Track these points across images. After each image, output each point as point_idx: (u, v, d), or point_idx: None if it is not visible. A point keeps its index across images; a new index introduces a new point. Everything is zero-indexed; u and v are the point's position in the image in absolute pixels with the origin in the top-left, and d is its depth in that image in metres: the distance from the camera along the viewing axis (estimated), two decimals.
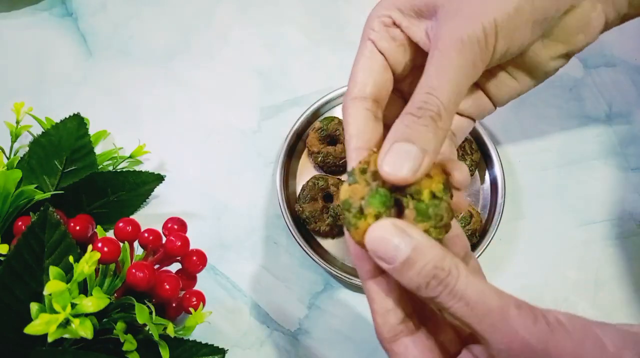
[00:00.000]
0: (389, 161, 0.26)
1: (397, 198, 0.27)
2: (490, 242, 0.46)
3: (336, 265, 0.47)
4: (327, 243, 0.49)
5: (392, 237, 0.25)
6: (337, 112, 0.53)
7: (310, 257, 0.46)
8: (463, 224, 0.47)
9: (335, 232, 0.48)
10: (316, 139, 0.50)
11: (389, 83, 0.31)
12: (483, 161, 0.50)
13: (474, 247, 0.47)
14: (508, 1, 0.29)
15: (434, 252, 0.25)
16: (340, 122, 0.51)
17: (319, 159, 0.50)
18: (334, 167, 0.50)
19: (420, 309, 0.29)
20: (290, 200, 0.50)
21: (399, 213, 0.27)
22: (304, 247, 0.46)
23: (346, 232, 0.28)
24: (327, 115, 0.52)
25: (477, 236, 0.47)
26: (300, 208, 0.48)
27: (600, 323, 0.25)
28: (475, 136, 0.51)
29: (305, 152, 0.51)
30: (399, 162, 0.26)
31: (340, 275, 0.46)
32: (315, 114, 0.52)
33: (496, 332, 0.24)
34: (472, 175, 0.50)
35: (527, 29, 0.30)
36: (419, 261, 0.25)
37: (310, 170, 0.51)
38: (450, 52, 0.27)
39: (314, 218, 0.48)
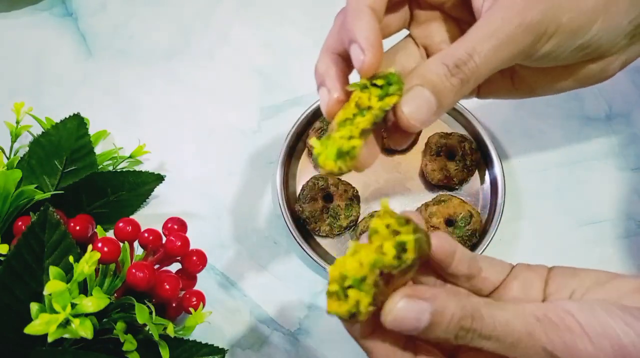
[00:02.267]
0: (411, 104, 0.27)
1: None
2: (490, 242, 0.46)
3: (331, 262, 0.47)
4: (327, 243, 0.49)
5: (410, 314, 0.24)
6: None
7: (310, 257, 0.46)
8: (463, 224, 0.46)
9: (336, 232, 0.48)
10: (316, 139, 0.50)
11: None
12: (483, 161, 0.50)
13: (473, 247, 0.47)
14: (589, 14, 0.29)
15: (453, 306, 0.25)
16: None
17: (319, 159, 0.49)
18: None
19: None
20: (290, 200, 0.49)
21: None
22: (304, 247, 0.46)
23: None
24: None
25: (477, 236, 0.47)
26: (300, 208, 0.48)
27: (619, 310, 0.25)
28: (475, 136, 0.51)
29: (305, 152, 0.51)
30: (418, 109, 0.27)
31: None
32: (316, 114, 0.51)
33: (531, 353, 0.25)
34: (471, 175, 0.50)
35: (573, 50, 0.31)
36: (443, 321, 0.25)
37: (310, 170, 0.51)
38: (512, 32, 0.27)
39: (314, 218, 0.48)
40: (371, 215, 0.48)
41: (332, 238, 0.49)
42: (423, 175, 0.51)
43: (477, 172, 0.50)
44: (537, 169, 0.51)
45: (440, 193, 0.49)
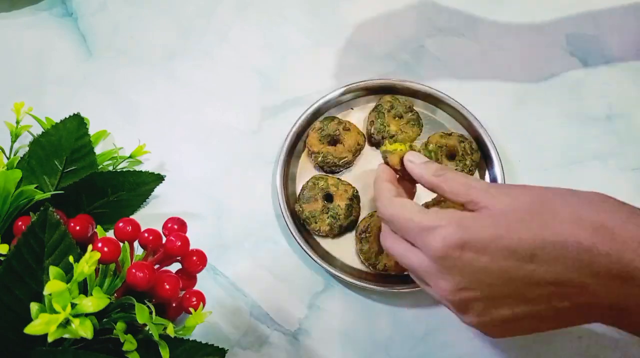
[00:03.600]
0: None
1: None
2: None
3: (336, 265, 0.47)
4: (327, 243, 0.49)
5: (416, 159, 0.40)
6: (337, 112, 0.53)
7: (310, 257, 0.46)
8: None
9: (336, 231, 0.48)
10: (316, 139, 0.50)
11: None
12: (483, 161, 0.50)
13: None
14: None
15: (434, 164, 0.39)
16: (340, 122, 0.51)
17: (319, 159, 0.49)
18: (334, 167, 0.50)
19: None
20: (290, 200, 0.49)
21: None
22: (304, 247, 0.46)
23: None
24: (326, 115, 0.52)
25: None
26: (300, 208, 0.48)
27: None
28: (475, 136, 0.51)
29: (305, 152, 0.51)
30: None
31: (340, 276, 0.46)
32: (316, 114, 0.52)
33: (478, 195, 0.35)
34: (472, 175, 0.50)
35: None
36: (427, 166, 0.39)
37: (310, 170, 0.51)
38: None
39: (314, 218, 0.48)
40: (371, 215, 0.48)
41: (332, 238, 0.49)
42: None
43: (477, 171, 0.51)
44: (537, 169, 0.51)
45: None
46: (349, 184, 0.49)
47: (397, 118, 0.51)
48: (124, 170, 0.46)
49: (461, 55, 0.55)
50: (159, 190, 0.48)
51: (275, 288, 0.47)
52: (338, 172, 0.51)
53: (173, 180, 0.49)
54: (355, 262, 0.48)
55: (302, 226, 0.49)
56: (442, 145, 0.50)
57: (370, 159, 0.52)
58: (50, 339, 0.31)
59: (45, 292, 0.32)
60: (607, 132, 0.52)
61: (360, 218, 0.49)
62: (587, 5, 0.57)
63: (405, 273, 0.47)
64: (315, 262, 0.46)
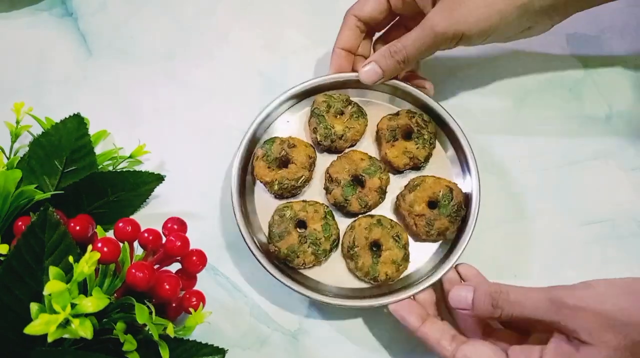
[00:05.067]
0: (365, 72, 0.47)
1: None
2: (479, 207, 0.45)
3: (332, 293, 0.45)
4: (315, 273, 0.46)
5: (462, 292, 0.40)
6: (275, 132, 0.50)
7: (307, 296, 0.43)
8: (446, 202, 0.45)
9: (322, 258, 0.45)
10: (264, 167, 0.47)
11: (384, 14, 0.48)
12: (440, 128, 0.49)
13: (464, 220, 0.46)
14: (481, 22, 0.43)
15: (485, 285, 0.39)
16: (282, 141, 0.47)
17: (275, 187, 0.46)
18: (293, 190, 0.47)
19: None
20: (256, 232, 0.46)
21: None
22: (295, 288, 0.43)
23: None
24: (265, 138, 0.49)
25: (464, 207, 0.46)
26: (276, 248, 0.44)
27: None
28: (422, 107, 0.49)
29: (258, 185, 0.48)
30: (370, 76, 0.47)
31: (342, 304, 0.44)
32: (252, 142, 0.48)
33: (546, 312, 0.36)
34: (434, 147, 0.48)
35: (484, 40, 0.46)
36: (480, 295, 0.38)
37: (269, 201, 0.48)
38: (428, 36, 0.44)
39: (294, 253, 0.44)
40: (352, 228, 0.46)
41: (320, 266, 0.46)
42: (384, 162, 0.48)
43: (437, 142, 0.49)
44: (537, 169, 0.51)
45: (411, 176, 0.48)
46: (316, 202, 0.46)
47: (338, 116, 0.48)
48: (124, 170, 0.46)
49: (460, 55, 0.55)
50: (159, 190, 0.47)
51: (275, 288, 0.47)
52: (299, 194, 0.48)
53: (173, 180, 0.49)
54: (349, 280, 0.46)
55: (284, 264, 0.45)
56: (393, 128, 0.47)
57: (326, 164, 0.48)
58: (50, 339, 0.31)
59: (45, 292, 0.32)
60: (607, 132, 0.52)
61: (342, 233, 0.46)
62: None
63: (405, 275, 0.46)
64: (309, 298, 0.44)
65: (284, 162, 0.47)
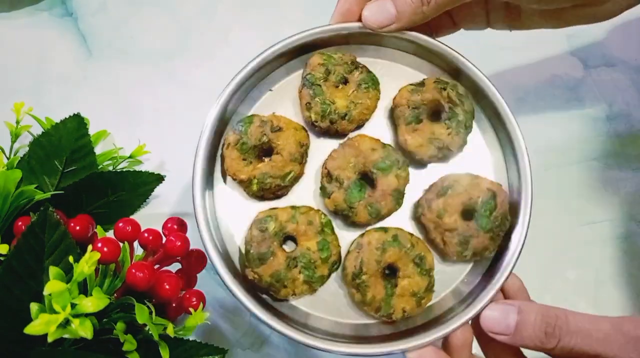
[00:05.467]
0: (372, 9, 0.33)
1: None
2: (530, 218, 0.35)
3: (327, 331, 0.34)
4: (306, 303, 0.35)
5: (499, 314, 0.30)
6: (250, 107, 0.37)
7: (296, 340, 0.33)
8: (487, 212, 0.34)
9: (318, 286, 0.34)
10: (237, 159, 0.34)
11: None
12: (478, 105, 0.38)
13: (507, 237, 0.35)
14: None
15: (535, 307, 0.30)
16: (263, 121, 0.35)
17: (254, 187, 0.34)
18: (278, 190, 0.35)
19: None
20: (231, 254, 0.35)
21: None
22: (278, 329, 0.33)
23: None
24: (240, 117, 0.37)
25: (508, 218, 0.35)
26: (256, 276, 0.33)
27: None
28: (455, 73, 0.37)
29: (230, 181, 0.36)
30: (377, 17, 0.33)
31: (319, 347, 0.32)
32: (222, 121, 0.36)
33: (621, 348, 0.28)
34: (470, 131, 0.36)
35: None
36: (529, 320, 0.30)
37: (244, 206, 0.35)
38: None
39: (279, 282, 0.33)
40: (358, 246, 0.34)
41: (312, 295, 0.35)
42: (402, 151, 0.36)
43: (474, 123, 0.36)
44: (537, 169, 0.51)
45: (437, 172, 0.36)
46: (310, 209, 0.35)
47: (340, 85, 0.36)
48: (124, 170, 0.46)
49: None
50: (159, 190, 0.47)
51: None
52: (286, 194, 0.36)
53: (173, 180, 0.48)
54: (351, 313, 0.35)
55: (267, 293, 0.35)
56: (416, 104, 0.35)
57: (323, 153, 0.36)
58: (50, 339, 0.31)
59: (45, 292, 0.32)
60: (607, 132, 0.52)
61: (344, 251, 0.35)
62: None
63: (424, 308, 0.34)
64: (301, 343, 0.33)
65: (265, 152, 0.35)
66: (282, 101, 0.37)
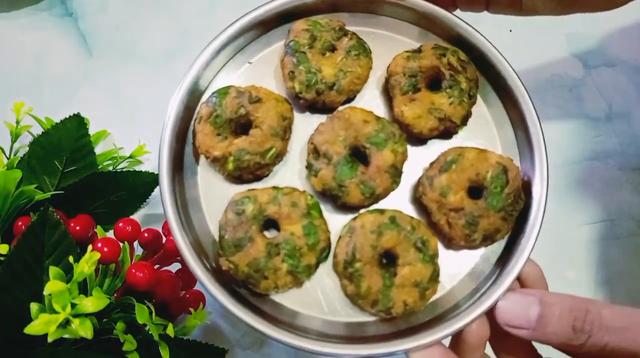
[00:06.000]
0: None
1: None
2: (547, 196, 0.31)
3: (302, 329, 0.30)
4: (291, 298, 0.31)
5: (517, 305, 0.26)
6: (227, 78, 0.33)
7: (259, 332, 0.29)
8: (498, 188, 0.30)
9: (304, 278, 0.30)
10: (211, 134, 0.31)
11: None
12: (482, 73, 0.34)
13: (524, 217, 0.31)
14: None
15: (560, 298, 0.26)
16: (240, 92, 0.31)
17: (230, 165, 0.31)
18: (258, 169, 0.31)
19: None
20: (201, 233, 0.31)
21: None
22: (258, 328, 0.29)
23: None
24: (214, 89, 0.33)
25: (522, 197, 0.31)
26: (231, 265, 0.29)
27: None
28: (457, 40, 0.34)
29: (203, 160, 0.32)
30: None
31: (309, 348, 0.28)
32: (196, 94, 0.32)
33: None
34: (474, 102, 0.33)
35: None
36: (554, 313, 0.25)
37: (221, 188, 0.32)
38: None
39: (258, 273, 0.29)
40: (350, 230, 0.30)
41: (299, 288, 0.31)
42: (399, 125, 0.32)
43: (478, 96, 0.33)
44: None
45: (440, 148, 0.32)
46: (294, 190, 0.31)
47: (327, 53, 0.32)
48: (124, 170, 0.46)
49: None
50: (159, 190, 0.47)
51: None
52: (267, 175, 0.32)
53: None
54: (345, 309, 0.31)
55: (246, 287, 0.30)
56: (413, 72, 0.32)
57: (309, 130, 0.32)
58: (50, 339, 0.31)
59: (45, 292, 0.32)
60: (607, 132, 0.52)
61: (334, 238, 0.31)
62: None
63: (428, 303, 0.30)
64: (289, 345, 0.28)
65: (242, 126, 0.31)
66: (262, 75, 0.33)
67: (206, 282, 0.29)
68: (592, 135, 0.52)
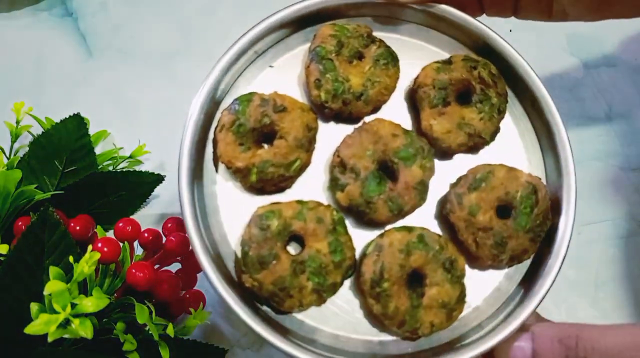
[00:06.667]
0: None
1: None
2: (574, 217, 0.31)
3: (319, 345, 0.29)
4: (311, 315, 0.30)
5: (516, 344, 0.27)
6: (249, 84, 0.32)
7: (278, 349, 0.28)
8: (527, 208, 0.30)
9: (329, 296, 0.29)
10: (233, 144, 0.30)
11: None
12: (511, 88, 0.33)
13: (550, 238, 0.31)
14: None
15: (550, 329, 0.27)
16: (264, 100, 0.30)
17: (253, 177, 0.30)
18: (281, 181, 0.30)
19: None
20: (224, 257, 0.30)
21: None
22: (281, 347, 0.28)
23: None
24: (235, 95, 0.32)
25: (550, 217, 0.31)
26: (255, 283, 0.28)
27: None
28: (487, 52, 0.33)
29: (223, 169, 0.31)
30: None
31: None
32: (213, 101, 0.31)
33: None
34: (503, 116, 0.32)
35: None
36: (545, 345, 0.26)
37: (242, 200, 0.30)
38: None
39: (284, 291, 0.28)
40: (377, 248, 0.29)
41: (319, 306, 0.30)
42: (426, 139, 0.31)
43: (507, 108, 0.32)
44: None
45: (466, 163, 0.31)
46: (320, 204, 0.30)
47: (355, 61, 0.31)
48: (124, 170, 0.46)
49: None
50: (159, 190, 0.47)
51: None
52: (289, 188, 0.31)
53: (173, 180, 0.48)
54: (366, 327, 0.30)
55: (268, 304, 0.30)
56: (443, 84, 0.31)
57: (332, 140, 0.31)
58: (50, 339, 0.31)
59: (45, 292, 0.32)
60: (607, 132, 0.52)
61: (359, 253, 0.30)
62: None
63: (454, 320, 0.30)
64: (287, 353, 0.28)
65: (266, 136, 0.30)
66: (284, 80, 0.32)
67: (230, 301, 0.28)
68: (592, 135, 0.52)
